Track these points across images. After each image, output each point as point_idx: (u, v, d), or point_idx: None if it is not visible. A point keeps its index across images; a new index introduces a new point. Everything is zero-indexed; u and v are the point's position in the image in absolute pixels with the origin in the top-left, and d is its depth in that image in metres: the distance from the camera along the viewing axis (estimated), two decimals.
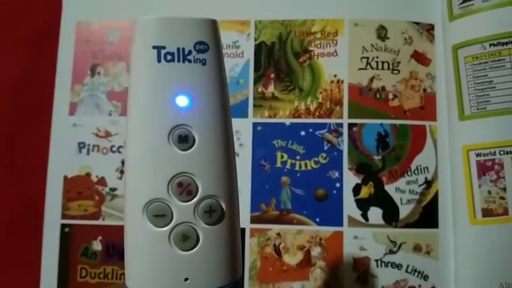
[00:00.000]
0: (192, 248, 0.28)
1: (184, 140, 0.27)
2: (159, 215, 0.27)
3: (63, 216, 0.53)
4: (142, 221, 0.27)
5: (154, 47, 0.27)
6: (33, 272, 0.52)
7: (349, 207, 0.52)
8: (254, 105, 0.54)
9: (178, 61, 0.27)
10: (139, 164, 0.27)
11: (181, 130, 0.27)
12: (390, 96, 0.53)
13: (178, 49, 0.27)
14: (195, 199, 0.28)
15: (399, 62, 0.53)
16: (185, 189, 0.27)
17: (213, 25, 0.28)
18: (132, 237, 0.28)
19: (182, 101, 0.27)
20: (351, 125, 0.53)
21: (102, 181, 0.53)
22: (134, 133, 0.28)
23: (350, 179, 0.52)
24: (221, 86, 0.28)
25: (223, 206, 0.28)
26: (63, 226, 0.53)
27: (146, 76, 0.27)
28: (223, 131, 0.28)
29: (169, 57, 0.27)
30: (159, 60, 0.27)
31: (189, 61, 0.27)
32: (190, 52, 0.27)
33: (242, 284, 0.30)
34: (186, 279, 0.28)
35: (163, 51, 0.27)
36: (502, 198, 0.48)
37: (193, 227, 0.28)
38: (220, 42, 0.28)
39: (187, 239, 0.27)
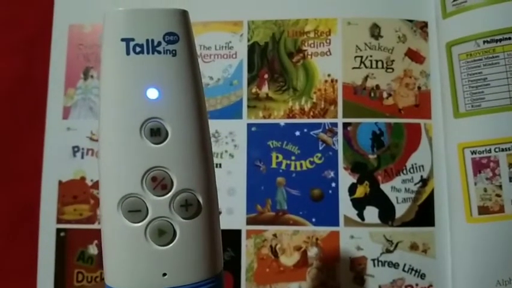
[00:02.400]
0: (169, 243, 0.27)
1: (157, 133, 0.27)
2: (134, 211, 0.27)
3: (59, 221, 0.53)
4: (118, 217, 0.27)
5: (122, 40, 0.26)
6: (30, 277, 0.52)
7: (345, 207, 0.52)
8: (248, 106, 0.53)
9: (148, 53, 0.26)
10: (112, 159, 0.27)
11: (153, 123, 0.27)
12: (385, 94, 0.53)
13: (147, 41, 0.26)
14: (170, 193, 0.27)
15: (393, 61, 0.53)
16: (159, 183, 0.27)
17: (183, 15, 0.27)
18: (109, 233, 0.28)
19: (153, 93, 0.27)
20: (345, 125, 0.53)
21: (97, 185, 0.53)
22: (106, 128, 0.27)
23: (345, 178, 0.52)
24: (193, 77, 0.27)
25: (200, 200, 0.28)
26: (58, 231, 0.53)
27: (115, 69, 0.27)
28: (196, 123, 0.28)
29: (138, 49, 0.26)
30: (128, 53, 0.26)
31: (159, 52, 0.27)
32: (159, 43, 0.27)
33: (222, 278, 0.30)
34: (164, 274, 0.27)
35: (132, 44, 0.26)
36: (498, 195, 0.48)
37: (169, 222, 0.27)
38: (191, 32, 0.28)
39: (163, 234, 0.27)
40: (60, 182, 0.53)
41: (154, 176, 0.27)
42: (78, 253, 0.53)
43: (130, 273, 0.28)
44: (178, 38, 0.27)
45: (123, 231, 0.27)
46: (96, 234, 0.53)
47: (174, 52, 0.27)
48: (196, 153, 0.28)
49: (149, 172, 0.27)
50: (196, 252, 0.28)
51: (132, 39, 0.26)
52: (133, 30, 0.27)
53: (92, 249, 0.53)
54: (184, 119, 0.27)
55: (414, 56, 0.53)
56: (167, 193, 0.27)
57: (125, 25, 0.27)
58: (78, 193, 0.53)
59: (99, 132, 0.27)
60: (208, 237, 0.28)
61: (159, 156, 0.27)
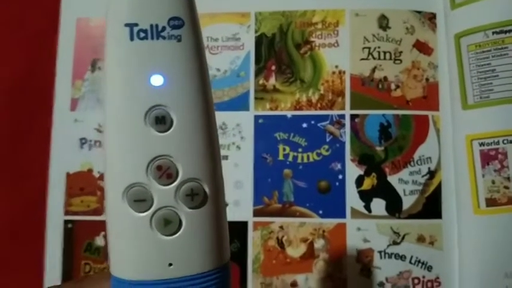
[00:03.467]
0: (175, 233, 0.27)
1: (162, 121, 0.26)
2: (139, 200, 0.26)
3: (66, 213, 0.53)
4: (123, 207, 0.26)
5: (126, 25, 0.26)
6: (37, 268, 0.52)
7: (352, 199, 0.52)
8: (255, 98, 0.53)
9: (152, 38, 0.26)
10: (116, 147, 0.27)
11: (158, 111, 0.26)
12: (392, 86, 0.52)
13: (151, 26, 0.26)
14: (176, 182, 0.27)
15: (401, 52, 0.53)
16: (165, 172, 0.26)
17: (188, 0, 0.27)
18: (114, 223, 0.27)
19: (157, 80, 0.26)
20: (353, 116, 0.52)
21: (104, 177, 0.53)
22: (110, 116, 0.27)
23: (353, 170, 0.52)
24: (198, 63, 0.27)
25: (206, 189, 0.27)
26: (66, 222, 0.53)
27: (119, 55, 0.26)
28: (202, 111, 0.27)
29: (142, 34, 0.26)
30: (131, 39, 0.26)
31: (163, 38, 0.26)
32: (164, 28, 0.26)
33: (229, 269, 0.29)
34: (170, 264, 0.27)
35: (135, 29, 0.26)
36: (506, 187, 0.48)
37: (175, 211, 0.27)
38: (196, 17, 0.27)
39: (169, 224, 0.27)
40: (67, 174, 0.53)
41: (160, 165, 0.26)
42: (86, 245, 0.53)
43: (135, 263, 0.27)
44: (184, 22, 0.26)
45: (128, 221, 0.27)
46: (103, 226, 0.52)
47: (179, 37, 0.26)
48: (202, 142, 0.27)
49: (154, 161, 0.26)
50: (203, 242, 0.27)
51: (136, 25, 0.26)
52: (137, 15, 0.26)
53: (99, 241, 0.53)
54: (189, 106, 0.27)
55: (422, 47, 0.53)
56: (173, 182, 0.27)
57: (129, 10, 0.26)
58: (85, 185, 0.53)
59: (103, 120, 0.27)
60: (215, 227, 0.28)
61: (164, 145, 0.26)
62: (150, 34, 0.26)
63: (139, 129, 0.26)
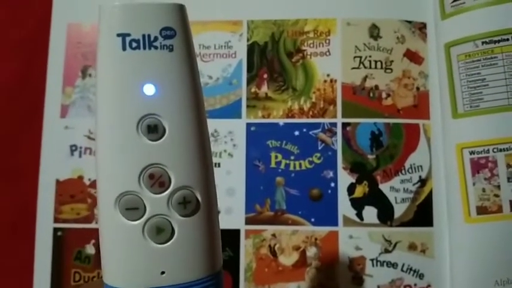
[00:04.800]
0: (167, 241, 0.27)
1: (154, 130, 0.26)
2: (132, 208, 0.27)
3: (56, 220, 0.52)
4: (115, 215, 0.27)
5: (118, 35, 0.26)
6: (26, 276, 0.51)
7: (344, 207, 0.52)
8: (247, 106, 0.53)
9: (144, 48, 0.26)
10: (109, 156, 0.27)
11: (150, 120, 0.26)
12: (383, 95, 0.53)
13: (143, 36, 0.26)
14: (168, 191, 0.27)
15: (392, 61, 0.53)
16: (157, 180, 0.27)
17: (180, 10, 0.27)
18: (106, 232, 0.28)
19: (149, 89, 0.26)
20: (344, 125, 0.53)
21: (94, 184, 0.53)
22: (102, 125, 0.27)
23: (344, 178, 0.52)
24: (190, 73, 0.27)
25: (199, 197, 0.27)
26: (55, 230, 0.52)
27: (112, 65, 0.26)
28: (194, 120, 0.27)
29: (134, 44, 0.26)
30: (124, 49, 0.26)
31: (155, 48, 0.26)
32: (156, 38, 0.26)
33: (222, 276, 0.30)
34: (163, 272, 0.27)
35: (128, 39, 0.26)
36: (496, 195, 0.48)
37: (167, 219, 0.27)
38: (188, 27, 0.27)
39: (161, 232, 0.27)
40: (57, 181, 0.53)
41: (152, 173, 0.27)
42: (75, 253, 0.52)
43: (128, 271, 0.27)
44: (175, 32, 0.26)
45: (120, 229, 0.27)
46: (94, 234, 0.52)
47: (171, 47, 0.26)
48: (194, 150, 0.27)
49: (146, 169, 0.27)
50: (195, 250, 0.28)
51: (128, 35, 0.26)
52: (129, 25, 0.26)
53: (89, 249, 0.52)
54: (181, 115, 0.27)
55: (413, 56, 0.54)
56: (165, 190, 0.27)
57: (121, 20, 0.26)
58: (75, 192, 0.53)
59: (95, 129, 0.27)
60: (207, 235, 0.28)
61: (157, 153, 0.27)
62: (143, 44, 0.26)
63: (132, 138, 0.26)
